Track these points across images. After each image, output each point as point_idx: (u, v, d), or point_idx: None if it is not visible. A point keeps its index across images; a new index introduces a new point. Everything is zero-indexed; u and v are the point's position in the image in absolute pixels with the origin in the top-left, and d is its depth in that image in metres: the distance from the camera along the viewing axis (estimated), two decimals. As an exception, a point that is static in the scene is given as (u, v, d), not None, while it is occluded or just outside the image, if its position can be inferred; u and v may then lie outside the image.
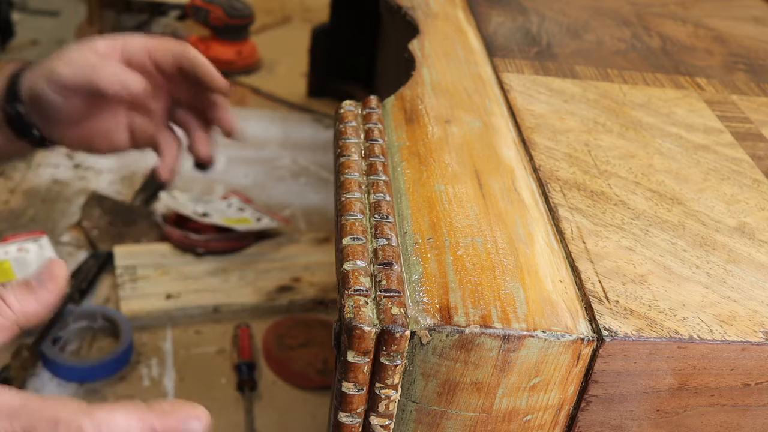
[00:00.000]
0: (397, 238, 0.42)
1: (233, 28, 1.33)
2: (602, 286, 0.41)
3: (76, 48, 0.64)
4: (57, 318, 0.81)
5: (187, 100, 0.70)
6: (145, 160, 1.03)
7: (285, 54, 1.44)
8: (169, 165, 0.68)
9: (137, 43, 0.66)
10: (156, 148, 0.70)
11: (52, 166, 1.06)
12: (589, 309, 0.39)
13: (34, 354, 0.77)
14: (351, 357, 0.37)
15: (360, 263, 0.39)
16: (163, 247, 0.92)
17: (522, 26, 0.73)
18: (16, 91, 0.64)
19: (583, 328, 0.38)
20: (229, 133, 0.70)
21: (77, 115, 0.65)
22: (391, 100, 0.55)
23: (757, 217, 0.49)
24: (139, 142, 0.70)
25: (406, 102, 0.55)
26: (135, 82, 0.62)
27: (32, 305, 0.43)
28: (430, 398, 0.39)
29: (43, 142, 0.67)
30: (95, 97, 0.64)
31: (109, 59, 0.64)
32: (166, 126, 0.70)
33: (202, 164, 0.70)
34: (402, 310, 0.37)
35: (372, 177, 0.46)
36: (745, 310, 0.41)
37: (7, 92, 0.64)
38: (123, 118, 0.69)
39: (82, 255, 0.92)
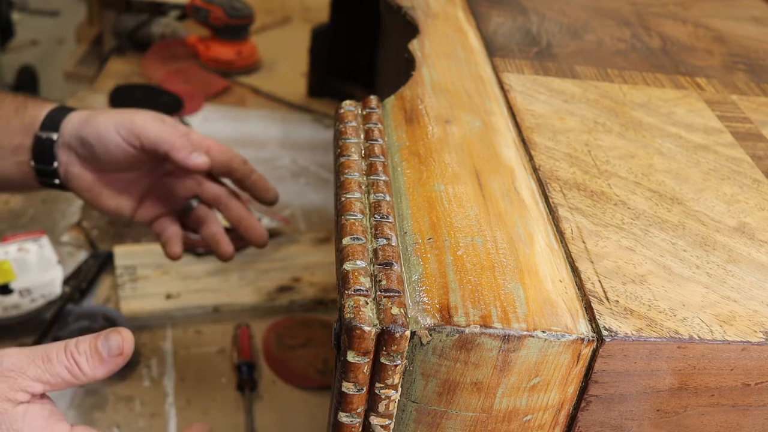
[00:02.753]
0: (397, 238, 0.42)
1: (233, 28, 1.33)
2: (602, 286, 0.41)
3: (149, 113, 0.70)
4: (57, 318, 0.81)
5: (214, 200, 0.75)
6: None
7: (285, 54, 1.43)
8: (177, 247, 0.73)
9: (199, 137, 0.71)
10: (156, 230, 0.73)
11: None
12: (589, 309, 0.39)
13: (34, 354, 0.77)
14: (351, 357, 0.37)
15: (360, 263, 0.39)
16: (163, 247, 0.92)
17: (522, 26, 0.73)
18: (57, 122, 0.68)
19: (583, 328, 0.38)
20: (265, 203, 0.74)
21: (113, 164, 0.69)
22: (391, 100, 0.55)
23: (757, 217, 0.49)
24: (141, 215, 0.73)
25: (406, 102, 0.55)
26: (204, 161, 0.68)
27: (101, 373, 0.51)
28: (430, 398, 0.39)
29: (54, 176, 0.69)
30: (142, 158, 0.69)
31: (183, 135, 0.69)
32: (175, 214, 0.74)
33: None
34: (402, 310, 0.37)
35: (372, 177, 0.46)
36: (745, 310, 0.41)
37: (44, 122, 0.68)
38: (140, 190, 0.73)
39: (82, 255, 0.92)
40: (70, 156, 0.68)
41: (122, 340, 0.51)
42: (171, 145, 0.67)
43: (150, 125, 0.67)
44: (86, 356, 0.50)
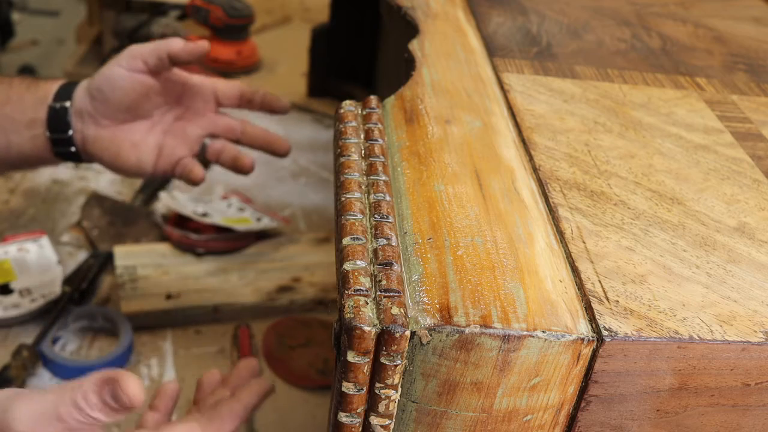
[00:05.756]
0: (397, 238, 0.42)
1: (233, 28, 1.33)
2: (602, 286, 0.41)
3: None
4: (57, 318, 0.81)
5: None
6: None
7: (285, 54, 1.43)
8: (199, 170, 0.75)
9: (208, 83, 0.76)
10: (180, 173, 0.75)
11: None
12: (589, 309, 0.39)
13: (34, 354, 0.77)
14: (351, 357, 0.37)
15: (360, 263, 0.39)
16: (163, 247, 0.92)
17: (522, 26, 0.73)
18: (69, 92, 0.71)
19: (583, 328, 0.38)
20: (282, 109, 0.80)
21: (126, 102, 0.71)
22: (391, 100, 0.55)
23: (757, 217, 0.49)
24: (163, 164, 0.75)
25: (406, 102, 0.55)
26: (205, 44, 0.73)
27: (116, 418, 0.53)
28: (430, 398, 0.39)
29: (69, 144, 0.71)
30: (151, 84, 0.71)
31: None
32: (195, 154, 0.76)
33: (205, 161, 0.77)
34: (402, 310, 0.37)
35: (372, 177, 0.46)
36: (745, 310, 0.41)
37: (57, 93, 0.71)
38: (156, 137, 0.74)
39: (82, 255, 0.92)
40: (84, 121, 0.70)
41: (130, 394, 0.51)
42: (168, 47, 0.70)
43: (145, 46, 0.70)
44: (99, 409, 0.50)
